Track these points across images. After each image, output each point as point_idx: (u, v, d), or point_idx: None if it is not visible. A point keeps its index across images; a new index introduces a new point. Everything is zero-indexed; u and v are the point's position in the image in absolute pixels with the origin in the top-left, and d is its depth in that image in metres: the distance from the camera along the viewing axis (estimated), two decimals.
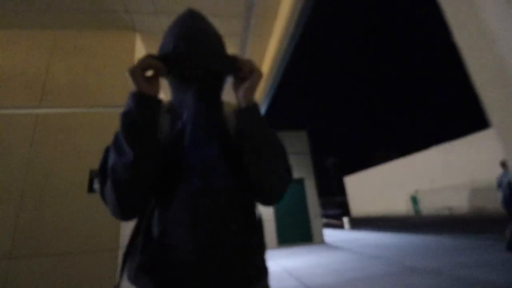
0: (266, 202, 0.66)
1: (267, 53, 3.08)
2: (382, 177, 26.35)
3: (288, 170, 0.65)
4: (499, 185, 4.13)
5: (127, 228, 1.96)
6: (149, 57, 0.58)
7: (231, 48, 2.83)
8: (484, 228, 8.09)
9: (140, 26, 2.45)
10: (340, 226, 13.81)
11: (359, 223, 15.81)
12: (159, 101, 0.60)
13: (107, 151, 0.62)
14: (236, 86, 0.65)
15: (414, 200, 21.79)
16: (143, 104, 0.57)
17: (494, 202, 13.91)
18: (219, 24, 2.50)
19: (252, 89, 0.63)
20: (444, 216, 17.33)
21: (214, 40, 0.64)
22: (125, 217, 0.58)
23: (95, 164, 1.98)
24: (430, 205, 20.21)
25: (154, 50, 3.02)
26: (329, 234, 9.72)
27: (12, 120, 2.07)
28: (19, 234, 1.79)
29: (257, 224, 0.65)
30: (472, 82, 0.32)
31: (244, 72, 0.62)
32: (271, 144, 0.62)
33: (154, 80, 0.60)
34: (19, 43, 2.33)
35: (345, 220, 12.51)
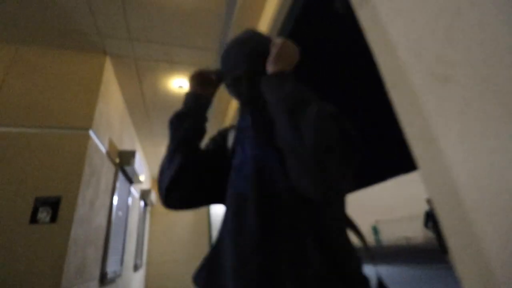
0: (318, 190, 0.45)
1: None
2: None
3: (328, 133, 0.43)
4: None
5: (72, 265, 1.75)
6: (204, 68, 0.75)
7: None
8: (437, 257, 8.54)
9: (112, 50, 2.41)
10: None
11: None
12: (206, 98, 0.73)
13: None
14: None
15: (375, 230, 22.61)
16: (189, 98, 0.73)
17: None
18: (194, 56, 2.56)
19: (271, 59, 0.60)
20: (402, 245, 18.10)
21: (243, 46, 0.69)
22: (165, 203, 0.65)
23: (43, 191, 1.80)
24: (390, 235, 21.07)
25: (126, 75, 2.96)
26: None
27: None
28: None
29: (325, 250, 0.44)
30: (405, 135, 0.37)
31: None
32: (289, 106, 0.49)
33: (207, 84, 0.74)
34: None
35: None
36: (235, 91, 0.70)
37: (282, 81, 0.54)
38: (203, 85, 0.75)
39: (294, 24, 1.99)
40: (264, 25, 2.15)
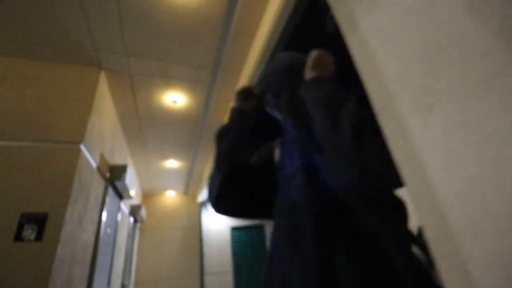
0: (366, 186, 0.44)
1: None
2: None
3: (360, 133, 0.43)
4: None
5: (57, 285, 1.67)
6: (248, 85, 0.83)
7: (198, 94, 2.93)
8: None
9: (107, 64, 2.43)
10: None
11: None
12: (248, 112, 0.77)
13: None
14: None
15: None
16: (233, 113, 0.78)
17: None
18: (189, 72, 2.60)
19: (308, 66, 0.64)
20: None
21: (282, 63, 0.76)
22: (215, 210, 0.70)
23: (30, 206, 1.74)
24: None
25: (120, 89, 2.96)
26: None
27: None
28: None
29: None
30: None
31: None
32: (323, 108, 0.50)
33: (250, 99, 0.79)
34: None
35: None
36: (276, 106, 0.74)
37: (319, 83, 0.57)
38: (247, 100, 0.80)
39: (288, 44, 2.06)
40: (258, 44, 2.22)
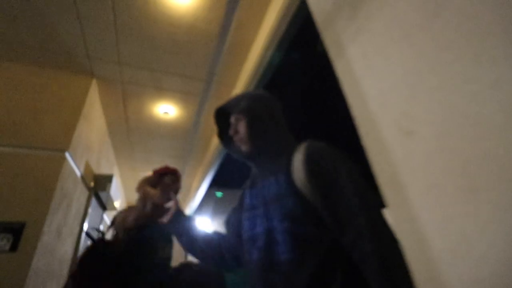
0: None
1: None
2: None
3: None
4: None
5: None
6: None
7: (190, 106, 2.93)
8: None
9: (99, 73, 2.42)
10: None
11: None
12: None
13: None
14: None
15: None
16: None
17: None
18: (182, 84, 2.62)
19: None
20: None
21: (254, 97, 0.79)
22: None
23: (6, 215, 1.66)
24: None
25: (111, 98, 2.93)
26: None
27: None
28: None
29: None
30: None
31: None
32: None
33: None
34: None
35: None
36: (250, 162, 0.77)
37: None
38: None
39: (281, 60, 2.12)
40: (252, 60, 2.26)
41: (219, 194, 6.59)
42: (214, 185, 4.77)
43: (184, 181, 4.82)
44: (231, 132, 0.73)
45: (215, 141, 3.51)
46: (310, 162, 0.56)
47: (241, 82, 2.68)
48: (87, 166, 2.51)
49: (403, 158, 0.36)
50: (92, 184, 2.70)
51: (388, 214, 0.38)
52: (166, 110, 2.95)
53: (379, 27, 0.42)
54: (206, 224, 6.23)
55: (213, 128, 3.39)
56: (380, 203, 0.47)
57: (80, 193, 2.42)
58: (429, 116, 0.34)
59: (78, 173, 2.27)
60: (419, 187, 0.33)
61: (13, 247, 1.60)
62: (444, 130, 0.32)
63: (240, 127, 0.71)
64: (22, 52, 2.16)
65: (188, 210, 5.72)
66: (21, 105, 2.09)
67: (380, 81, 0.41)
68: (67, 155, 2.00)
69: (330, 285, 0.50)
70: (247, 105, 0.71)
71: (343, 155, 0.53)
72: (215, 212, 6.37)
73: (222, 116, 0.81)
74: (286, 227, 0.57)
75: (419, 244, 0.33)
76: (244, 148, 0.71)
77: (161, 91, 2.71)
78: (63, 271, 2.15)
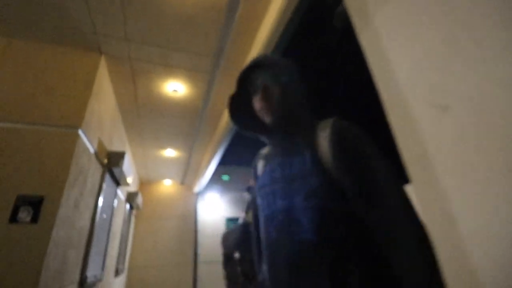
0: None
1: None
2: None
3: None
4: None
5: (51, 268, 1.68)
6: None
7: (199, 83, 2.89)
8: None
9: (107, 50, 2.39)
10: None
11: None
12: None
13: None
14: None
15: None
16: None
17: None
18: (190, 61, 2.56)
19: None
20: None
21: (287, 65, 0.75)
22: None
23: (26, 189, 1.73)
24: None
25: (120, 76, 2.91)
26: None
27: None
28: None
29: None
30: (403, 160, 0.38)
31: None
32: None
33: None
34: None
35: None
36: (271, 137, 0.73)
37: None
38: None
39: (292, 36, 2.03)
40: (262, 35, 2.17)
41: (225, 177, 6.60)
42: (222, 164, 4.82)
43: (193, 159, 4.89)
44: (258, 99, 0.68)
45: (224, 118, 3.49)
46: (339, 140, 0.54)
47: (251, 59, 2.61)
48: (100, 143, 2.56)
49: (434, 136, 0.33)
50: (105, 160, 2.77)
51: (414, 194, 0.36)
52: (175, 87, 2.92)
53: None
54: (215, 200, 6.39)
55: (223, 105, 3.37)
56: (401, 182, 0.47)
57: (95, 169, 2.49)
58: (465, 90, 0.31)
59: (91, 150, 2.32)
60: (449, 167, 0.32)
61: (34, 219, 1.68)
62: (482, 106, 0.30)
63: (272, 94, 0.66)
64: (30, 29, 2.13)
65: (198, 187, 5.86)
66: (33, 83, 2.10)
67: (411, 50, 0.37)
68: (80, 132, 2.03)
69: (350, 273, 0.50)
70: (283, 71, 0.67)
71: (368, 135, 0.51)
72: (225, 189, 6.50)
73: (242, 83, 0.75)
74: (313, 204, 0.55)
75: (447, 224, 0.31)
76: (269, 119, 0.66)
77: (170, 69, 2.67)
78: (82, 241, 2.27)
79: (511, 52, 0.28)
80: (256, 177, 0.78)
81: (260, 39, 2.23)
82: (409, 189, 0.45)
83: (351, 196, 0.52)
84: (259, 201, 0.69)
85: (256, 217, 0.77)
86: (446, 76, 0.33)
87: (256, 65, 0.72)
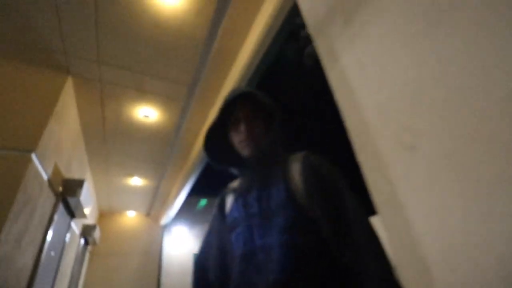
0: None
1: (208, 120, 3.18)
2: None
3: None
4: None
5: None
6: None
7: (172, 111, 2.84)
8: None
9: (76, 71, 2.29)
10: None
11: None
12: None
13: None
14: None
15: None
16: None
17: None
18: (165, 87, 2.54)
19: None
20: None
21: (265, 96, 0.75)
22: None
23: None
24: None
25: (87, 98, 2.78)
26: None
27: None
28: None
29: None
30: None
31: None
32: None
33: None
34: None
35: None
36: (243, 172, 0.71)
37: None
38: None
39: (265, 72, 2.11)
40: (238, 67, 2.24)
41: (203, 202, 6.14)
42: (193, 193, 4.62)
43: (162, 188, 4.64)
44: (239, 131, 0.67)
45: (197, 147, 3.41)
46: (310, 176, 0.54)
47: (227, 89, 2.64)
48: (56, 169, 2.34)
49: (403, 175, 0.32)
50: (60, 188, 2.51)
51: (387, 238, 0.34)
52: (147, 113, 2.84)
53: (376, 34, 0.40)
54: (183, 234, 6.00)
55: (195, 134, 3.31)
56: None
57: (46, 198, 2.24)
58: (432, 130, 0.31)
59: (45, 176, 2.10)
60: (422, 209, 0.30)
61: None
62: (450, 147, 0.30)
63: (256, 124, 0.66)
64: None
65: (165, 219, 5.50)
66: None
67: (378, 91, 0.38)
68: (33, 156, 1.84)
69: None
70: (268, 101, 0.66)
71: (337, 169, 0.52)
72: (194, 222, 6.14)
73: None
74: (286, 240, 0.53)
75: (422, 273, 0.29)
76: (249, 151, 0.65)
77: (142, 94, 2.61)
78: (21, 284, 1.95)
79: (476, 92, 0.29)
80: (221, 211, 0.73)
81: (235, 72, 2.28)
82: (374, 220, 0.47)
83: (325, 233, 0.51)
84: (232, 237, 0.64)
85: (221, 250, 0.70)
86: (413, 117, 0.33)
87: (240, 97, 0.71)
